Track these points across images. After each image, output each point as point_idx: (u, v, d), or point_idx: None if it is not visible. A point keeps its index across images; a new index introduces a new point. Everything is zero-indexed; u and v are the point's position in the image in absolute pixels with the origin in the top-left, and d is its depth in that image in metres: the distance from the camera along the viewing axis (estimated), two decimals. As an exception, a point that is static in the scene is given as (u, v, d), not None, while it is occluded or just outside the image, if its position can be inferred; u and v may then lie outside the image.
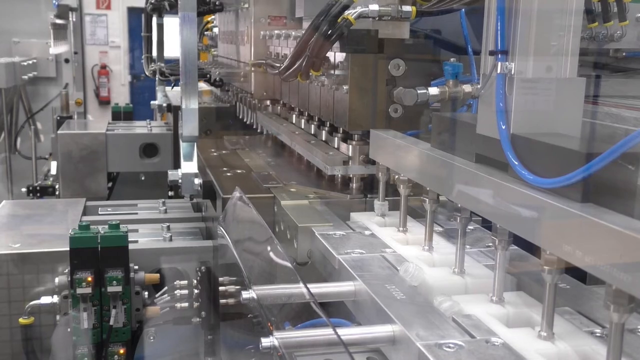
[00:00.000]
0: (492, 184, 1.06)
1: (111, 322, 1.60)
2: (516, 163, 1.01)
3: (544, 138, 1.03)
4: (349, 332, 1.11)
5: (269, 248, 1.31)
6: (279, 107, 2.57)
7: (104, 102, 8.45)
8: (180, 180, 2.03)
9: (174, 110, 3.53)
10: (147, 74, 3.50)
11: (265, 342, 1.02)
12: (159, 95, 3.97)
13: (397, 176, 1.46)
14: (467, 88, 1.64)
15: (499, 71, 1.08)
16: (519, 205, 0.99)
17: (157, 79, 3.21)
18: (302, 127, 2.22)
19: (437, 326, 1.05)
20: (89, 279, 1.56)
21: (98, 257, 1.59)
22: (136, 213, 2.36)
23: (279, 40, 2.33)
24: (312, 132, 2.12)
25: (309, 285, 1.16)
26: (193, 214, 2.39)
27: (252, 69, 2.60)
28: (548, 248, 0.93)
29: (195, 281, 1.74)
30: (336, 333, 1.02)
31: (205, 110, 3.26)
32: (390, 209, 1.68)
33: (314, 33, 1.64)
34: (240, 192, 1.57)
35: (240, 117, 2.96)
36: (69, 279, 1.59)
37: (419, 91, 1.62)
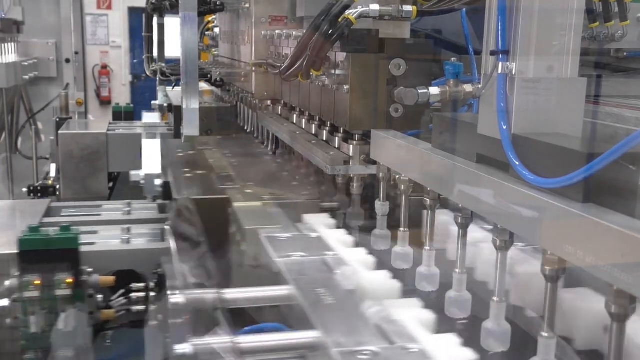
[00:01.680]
0: (492, 184, 1.06)
1: (60, 326, 1.53)
2: (517, 163, 1.01)
3: (545, 138, 1.03)
4: (271, 338, 1.09)
5: (199, 252, 1.29)
6: (279, 107, 2.57)
7: (104, 102, 8.44)
8: (142, 181, 1.99)
9: (174, 110, 3.53)
10: (148, 74, 3.50)
11: (180, 348, 1.00)
12: (160, 95, 3.97)
13: (397, 176, 1.46)
14: (468, 88, 1.64)
15: (500, 71, 1.08)
16: (519, 206, 0.98)
17: (158, 79, 3.22)
18: (303, 127, 2.22)
19: (359, 332, 1.01)
20: (37, 282, 1.51)
21: (47, 259, 1.54)
22: (99, 214, 2.29)
23: (279, 40, 2.33)
24: (313, 132, 2.11)
25: (245, 289, 1.15)
26: (157, 215, 2.31)
27: (253, 68, 2.60)
28: (549, 248, 0.93)
29: (152, 284, 1.67)
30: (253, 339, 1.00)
31: (206, 110, 3.26)
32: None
33: (314, 33, 1.64)
34: (188, 195, 1.55)
35: (242, 125, 2.97)
36: (19, 283, 1.54)
37: (419, 91, 1.62)
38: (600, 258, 0.80)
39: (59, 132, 3.40)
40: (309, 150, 1.98)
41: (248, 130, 2.84)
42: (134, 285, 1.68)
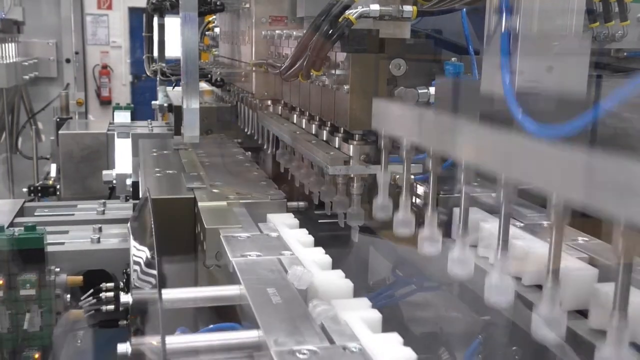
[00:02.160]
0: (495, 136, 1.03)
1: (25, 327, 1.54)
2: (520, 114, 0.98)
3: (548, 92, 1.01)
4: (214, 338, 1.08)
5: (149, 250, 1.26)
6: (280, 108, 2.57)
7: (105, 102, 8.45)
8: (114, 181, 1.91)
9: (175, 110, 3.53)
10: (148, 74, 3.50)
11: (121, 348, 1.00)
12: (160, 95, 3.97)
13: (397, 175, 1.44)
14: (468, 88, 1.64)
15: (503, 29, 1.06)
16: (522, 154, 0.96)
17: (158, 79, 3.22)
18: (303, 127, 2.22)
19: (301, 332, 1.01)
20: (0, 282, 1.51)
21: (11, 260, 1.55)
22: (73, 214, 2.29)
23: (280, 40, 2.33)
24: (313, 132, 2.12)
25: (196, 289, 1.17)
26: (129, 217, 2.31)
27: (253, 68, 2.60)
28: (552, 190, 0.89)
29: (121, 283, 1.67)
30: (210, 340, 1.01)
31: (206, 110, 3.26)
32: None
33: (314, 33, 1.65)
34: (148, 194, 1.52)
35: (242, 127, 2.97)
36: None
37: (420, 91, 1.62)
38: (604, 196, 0.76)
39: (59, 132, 3.40)
40: (309, 150, 1.99)
41: (248, 133, 2.85)
42: (104, 285, 1.65)
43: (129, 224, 1.62)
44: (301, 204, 1.81)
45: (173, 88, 3.57)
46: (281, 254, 1.36)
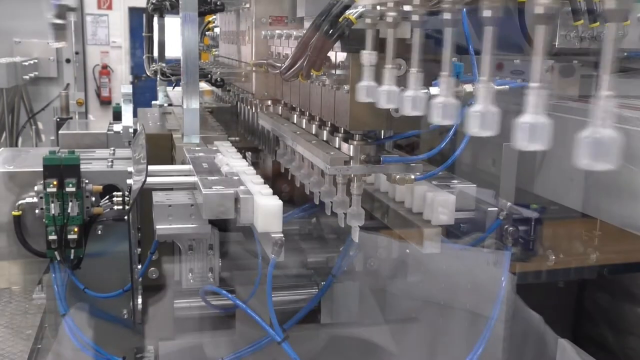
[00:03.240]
0: None
1: (69, 210, 2.45)
2: None
3: None
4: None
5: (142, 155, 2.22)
6: (280, 108, 2.57)
7: (105, 102, 8.44)
8: (121, 130, 3.01)
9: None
10: (148, 74, 3.50)
11: None
12: (160, 95, 3.97)
13: (398, 176, 1.44)
14: (468, 87, 1.64)
15: None
16: None
17: (158, 78, 3.22)
18: (304, 127, 2.22)
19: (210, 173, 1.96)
20: (55, 182, 2.42)
21: (61, 170, 2.44)
22: (94, 151, 3.04)
23: (280, 40, 2.33)
24: (314, 132, 2.12)
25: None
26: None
27: (254, 68, 2.60)
28: None
29: (127, 192, 2.45)
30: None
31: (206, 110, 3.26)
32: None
33: (315, 33, 1.64)
34: (143, 128, 2.74)
35: (241, 128, 2.99)
36: (43, 184, 2.43)
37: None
38: None
39: (60, 132, 3.40)
40: (309, 150, 1.99)
41: (248, 139, 2.87)
42: (115, 193, 2.52)
43: (131, 144, 2.65)
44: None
45: (173, 88, 3.57)
46: (215, 157, 2.19)
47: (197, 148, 2.40)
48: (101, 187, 2.55)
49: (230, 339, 2.48)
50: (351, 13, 1.58)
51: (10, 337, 5.67)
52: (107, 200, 2.55)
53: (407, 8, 1.61)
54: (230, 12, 3.11)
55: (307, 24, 2.00)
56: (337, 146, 1.89)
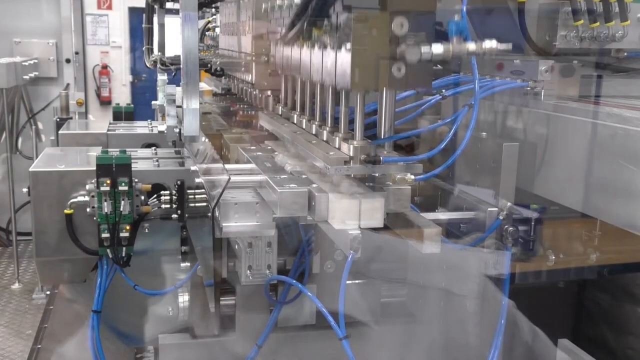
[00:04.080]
0: None
1: (121, 209, 2.48)
2: None
3: None
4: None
5: (210, 153, 2.24)
6: (280, 107, 2.57)
7: (105, 102, 8.43)
8: (165, 130, 2.90)
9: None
10: (147, 64, 3.49)
11: None
12: (160, 95, 3.97)
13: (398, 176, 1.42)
14: (471, 46, 1.59)
15: None
16: None
17: (157, 68, 3.21)
18: (304, 127, 2.21)
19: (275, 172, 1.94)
20: (108, 181, 2.46)
21: (113, 170, 2.48)
22: (136, 150, 3.13)
23: (280, 11, 2.27)
24: (313, 132, 2.11)
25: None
26: (174, 155, 3.14)
27: (254, 55, 2.58)
28: None
29: (174, 191, 2.56)
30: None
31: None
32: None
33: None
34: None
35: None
36: (96, 183, 2.47)
37: (422, 48, 1.56)
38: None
39: (59, 132, 3.40)
40: (309, 150, 1.98)
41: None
42: (163, 192, 2.61)
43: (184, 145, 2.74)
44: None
45: (174, 76, 3.56)
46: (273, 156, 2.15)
47: (252, 147, 2.38)
48: (150, 186, 2.60)
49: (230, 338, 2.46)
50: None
51: (10, 337, 5.69)
52: (155, 199, 2.60)
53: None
54: (230, 2, 3.10)
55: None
56: (337, 146, 1.89)
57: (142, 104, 7.12)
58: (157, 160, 2.92)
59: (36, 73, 7.33)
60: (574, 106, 1.91)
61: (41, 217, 2.58)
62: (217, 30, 3.89)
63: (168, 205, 2.57)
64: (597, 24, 1.99)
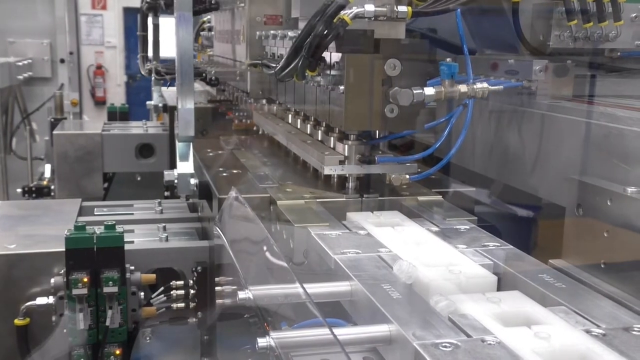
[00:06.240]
0: None
1: (107, 323, 1.59)
2: None
3: None
4: (345, 332, 1.12)
5: (265, 248, 1.31)
6: (274, 107, 2.57)
7: (99, 102, 8.42)
8: (176, 181, 2.04)
9: (169, 110, 3.52)
10: (142, 73, 3.49)
11: (262, 342, 1.03)
12: (155, 95, 3.96)
13: (393, 175, 1.46)
14: (462, 88, 1.64)
15: None
16: None
17: (152, 77, 3.21)
18: (298, 127, 2.22)
19: (434, 325, 1.05)
20: (85, 279, 1.55)
21: (94, 257, 1.59)
22: (132, 213, 2.35)
23: (274, 41, 2.32)
24: (308, 132, 2.12)
25: (305, 285, 1.16)
26: (189, 214, 2.40)
27: (249, 68, 2.60)
28: None
29: (191, 281, 1.73)
30: (332, 333, 1.02)
31: (201, 111, 3.26)
32: (388, 208, 1.70)
33: (309, 33, 1.64)
34: (237, 192, 1.59)
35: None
36: (65, 279, 1.58)
37: (415, 91, 1.62)
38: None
39: (54, 132, 3.39)
40: (304, 150, 1.99)
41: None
42: (174, 283, 1.74)
43: (214, 223, 1.65)
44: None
45: (167, 87, 3.56)
46: (379, 251, 1.39)
47: (332, 234, 1.50)
48: (154, 275, 1.73)
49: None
50: (346, 13, 1.58)
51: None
52: (161, 294, 1.76)
53: (402, 9, 1.61)
54: (225, 10, 3.11)
55: (301, 25, 2.00)
56: (332, 146, 1.89)
57: (136, 104, 7.10)
58: (165, 229, 2.07)
59: (30, 73, 7.30)
60: (567, 106, 1.92)
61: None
62: (212, 31, 3.89)
63: (182, 304, 1.73)
64: (591, 24, 1.99)
